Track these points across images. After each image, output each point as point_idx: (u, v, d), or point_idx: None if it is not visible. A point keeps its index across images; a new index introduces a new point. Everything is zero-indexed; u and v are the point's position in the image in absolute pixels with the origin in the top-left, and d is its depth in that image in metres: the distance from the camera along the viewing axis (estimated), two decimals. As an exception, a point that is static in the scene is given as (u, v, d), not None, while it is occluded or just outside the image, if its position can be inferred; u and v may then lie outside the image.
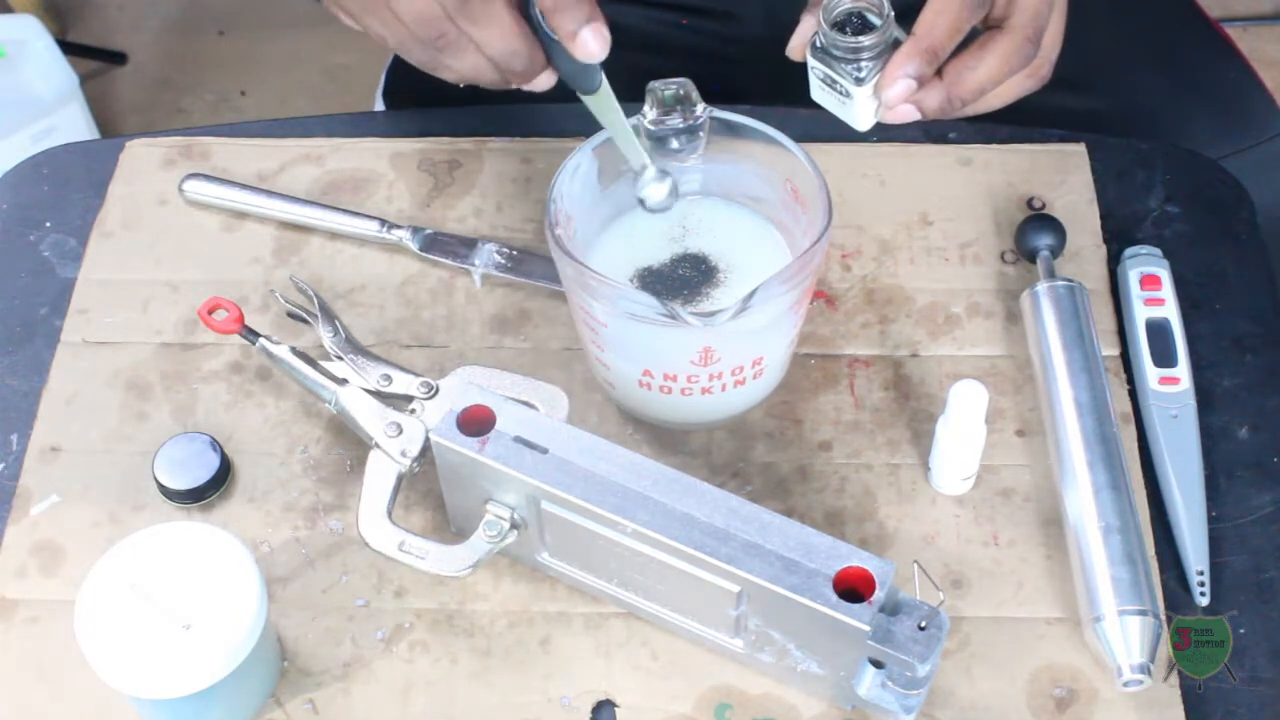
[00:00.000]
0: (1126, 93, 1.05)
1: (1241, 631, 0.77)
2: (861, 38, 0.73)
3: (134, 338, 0.89)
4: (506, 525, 0.75)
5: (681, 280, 0.81)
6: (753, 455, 0.84)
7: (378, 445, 0.79)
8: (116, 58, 2.09)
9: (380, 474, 0.78)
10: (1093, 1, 1.05)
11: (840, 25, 0.73)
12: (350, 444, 0.84)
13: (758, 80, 1.07)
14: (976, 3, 0.73)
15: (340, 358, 0.83)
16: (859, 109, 0.75)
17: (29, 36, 1.82)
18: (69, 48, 1.96)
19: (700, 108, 0.79)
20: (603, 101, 0.75)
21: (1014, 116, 0.91)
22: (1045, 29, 0.76)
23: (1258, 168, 0.97)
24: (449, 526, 0.81)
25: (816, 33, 0.74)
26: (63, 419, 0.85)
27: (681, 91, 0.79)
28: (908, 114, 0.74)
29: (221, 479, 0.82)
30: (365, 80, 1.21)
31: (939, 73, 0.74)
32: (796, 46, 0.76)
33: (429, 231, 0.92)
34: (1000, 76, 0.75)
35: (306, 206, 0.93)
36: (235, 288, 0.90)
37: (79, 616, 0.69)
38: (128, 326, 0.89)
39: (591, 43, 0.69)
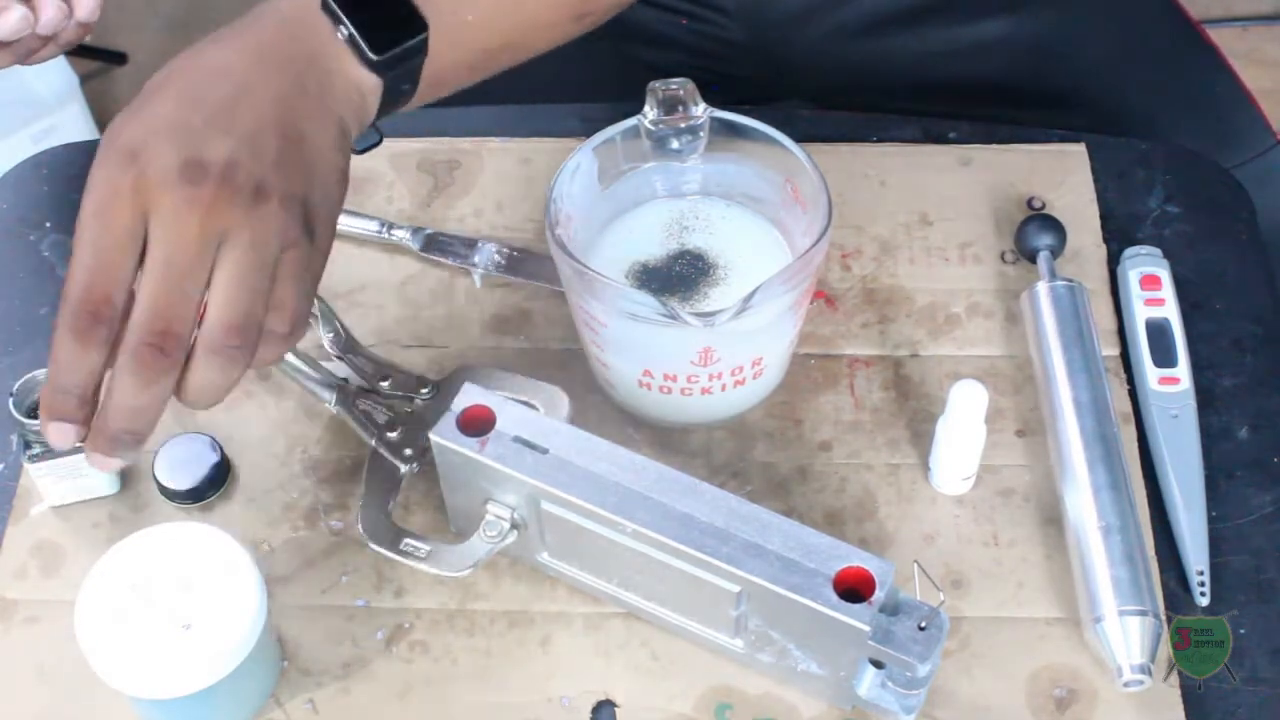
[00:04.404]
0: (1116, 111, 1.04)
1: (1241, 631, 0.77)
2: None
3: (134, 338, 0.89)
4: (506, 525, 0.75)
5: (679, 277, 0.81)
6: (753, 455, 0.84)
7: (378, 445, 0.79)
8: (116, 58, 2.09)
9: (380, 474, 0.78)
10: (1086, 16, 1.05)
11: None
12: (350, 444, 0.84)
13: (758, 80, 1.07)
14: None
15: (340, 358, 0.83)
16: None
17: (29, 36, 1.82)
18: (69, 48, 1.96)
19: (700, 108, 0.79)
20: None
21: (1014, 117, 0.91)
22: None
23: (1251, 183, 0.97)
24: (449, 526, 0.81)
25: None
26: (63, 419, 0.85)
27: (681, 91, 0.79)
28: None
29: (221, 479, 0.82)
30: (365, 80, 1.21)
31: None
32: None
33: (429, 231, 0.92)
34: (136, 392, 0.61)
35: (306, 206, 0.93)
36: (235, 288, 0.90)
37: (79, 617, 0.69)
38: (128, 326, 0.89)
39: None
